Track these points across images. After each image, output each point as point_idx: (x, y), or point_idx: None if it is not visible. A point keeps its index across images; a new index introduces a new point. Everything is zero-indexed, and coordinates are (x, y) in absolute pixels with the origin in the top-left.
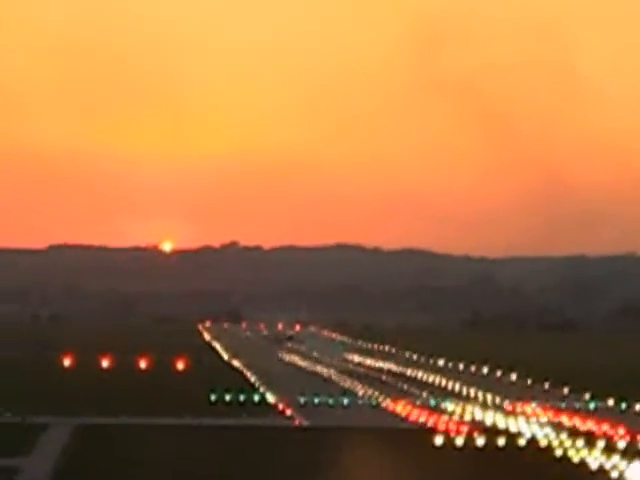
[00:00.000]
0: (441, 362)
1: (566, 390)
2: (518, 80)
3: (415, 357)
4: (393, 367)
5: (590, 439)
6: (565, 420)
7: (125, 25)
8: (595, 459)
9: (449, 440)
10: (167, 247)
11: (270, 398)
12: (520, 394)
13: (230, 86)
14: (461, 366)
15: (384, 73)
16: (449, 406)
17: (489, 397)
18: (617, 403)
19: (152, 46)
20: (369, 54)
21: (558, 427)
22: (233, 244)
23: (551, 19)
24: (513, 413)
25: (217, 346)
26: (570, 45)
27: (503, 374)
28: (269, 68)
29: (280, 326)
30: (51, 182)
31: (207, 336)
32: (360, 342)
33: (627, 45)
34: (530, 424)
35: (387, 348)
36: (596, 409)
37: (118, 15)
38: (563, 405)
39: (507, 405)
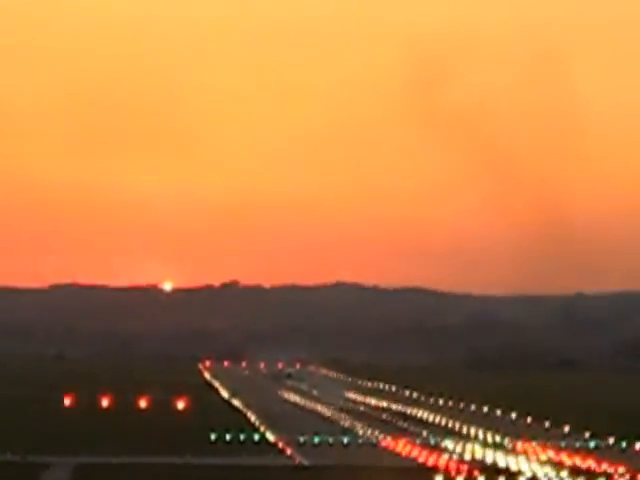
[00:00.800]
0: (441, 401)
1: (566, 429)
2: (517, 111)
3: (415, 396)
4: (393, 406)
5: (590, 478)
6: (565, 459)
7: (132, 63)
8: None
9: (449, 479)
10: (167, 286)
11: (270, 437)
12: (520, 433)
13: (230, 127)
14: (461, 405)
15: (379, 105)
16: (449, 445)
17: (489, 436)
18: (617, 442)
19: (158, 85)
20: (365, 86)
21: (558, 466)
22: (233, 283)
23: (551, 48)
24: (513, 452)
25: (217, 385)
26: (572, 75)
27: (503, 413)
28: (268, 109)
29: (280, 365)
30: (53, 221)
31: (207, 375)
32: (360, 381)
33: (630, 74)
34: (530, 463)
35: (387, 387)
36: (596, 448)
37: (127, 53)
38: (563, 444)
39: (507, 444)
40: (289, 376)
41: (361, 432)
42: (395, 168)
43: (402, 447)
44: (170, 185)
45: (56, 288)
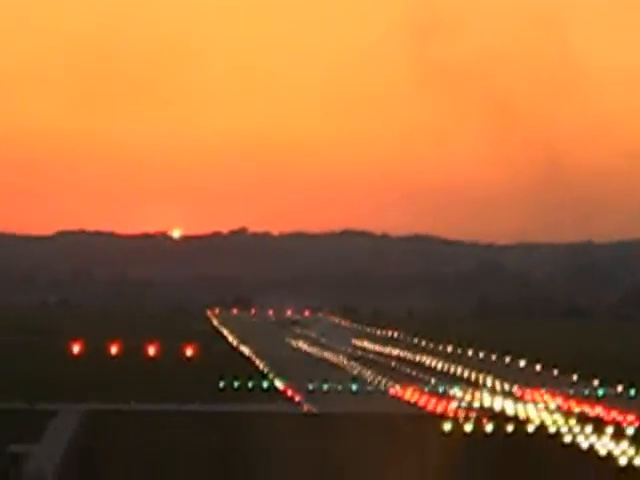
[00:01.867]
0: (450, 348)
1: (575, 377)
2: (518, 64)
3: (424, 343)
4: (402, 353)
5: (599, 426)
6: (574, 406)
7: (133, 11)
8: (604, 445)
9: (458, 426)
10: (176, 233)
11: (279, 384)
12: (529, 381)
13: (238, 72)
14: (470, 352)
15: (389, 57)
16: (458, 392)
17: (498, 383)
18: (626, 389)
19: (163, 33)
20: (370, 39)
21: (567, 414)
22: (242, 230)
23: (551, 2)
24: (522, 399)
25: (226, 332)
26: (570, 27)
27: (512, 360)
28: (272, 59)
29: (289, 312)
30: (59, 168)
31: (216, 322)
32: (369, 328)
33: (628, 25)
34: (539, 411)
35: (396, 334)
36: (605, 396)
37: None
38: (572, 392)
39: (516, 391)
40: (295, 323)
41: (370, 380)
42: (401, 117)
43: (410, 395)
44: (179, 132)
45: (63, 235)
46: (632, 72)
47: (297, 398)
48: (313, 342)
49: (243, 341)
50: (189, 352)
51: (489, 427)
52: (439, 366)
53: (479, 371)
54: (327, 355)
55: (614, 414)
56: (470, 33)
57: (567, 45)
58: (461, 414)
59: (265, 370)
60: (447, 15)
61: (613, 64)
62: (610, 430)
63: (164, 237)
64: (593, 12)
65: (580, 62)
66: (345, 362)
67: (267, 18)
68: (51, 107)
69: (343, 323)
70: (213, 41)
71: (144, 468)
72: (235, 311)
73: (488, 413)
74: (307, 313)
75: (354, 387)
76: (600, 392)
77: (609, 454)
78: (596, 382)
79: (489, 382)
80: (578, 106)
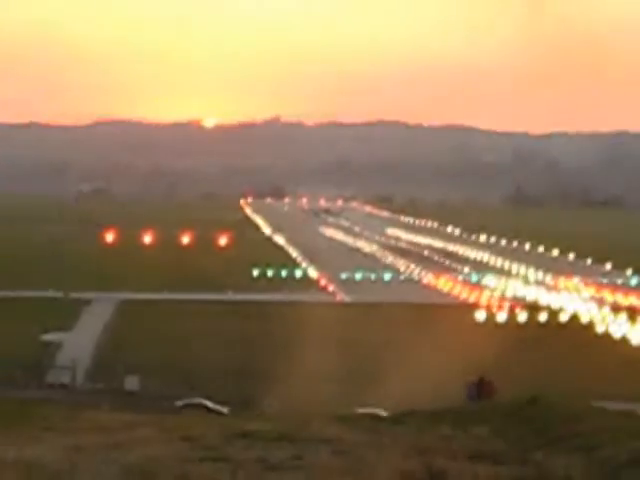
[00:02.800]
0: (483, 238)
1: (608, 266)
2: None
3: (457, 232)
4: (435, 243)
5: (632, 314)
6: (607, 296)
7: None
8: (637, 334)
9: (491, 316)
10: (209, 123)
11: (312, 274)
12: (562, 270)
13: None
14: (503, 242)
15: None
16: (491, 282)
17: (531, 273)
18: None
19: None
20: None
21: (600, 303)
22: (275, 120)
23: None
24: (555, 289)
25: (259, 221)
26: None
27: (546, 250)
28: None
29: (322, 202)
30: (94, 60)
31: (249, 211)
32: (403, 218)
33: None
34: (572, 300)
35: (429, 224)
36: (638, 285)
37: None
38: (605, 281)
39: (549, 281)
40: (327, 211)
41: (403, 269)
42: (436, 10)
43: (444, 284)
44: (211, 21)
45: (97, 125)
46: None
47: (330, 288)
48: (346, 231)
49: (276, 230)
50: (223, 241)
51: (522, 316)
52: (472, 255)
53: (512, 260)
54: (360, 244)
55: None
56: None
57: None
58: (494, 303)
59: (298, 259)
60: None
61: None
62: None
63: (197, 126)
64: None
65: None
66: (379, 251)
67: None
68: (86, 5)
69: (377, 212)
70: None
71: (175, 354)
72: (269, 200)
73: (521, 302)
74: (340, 202)
75: (387, 277)
76: (633, 281)
77: None
78: (629, 271)
79: (522, 271)
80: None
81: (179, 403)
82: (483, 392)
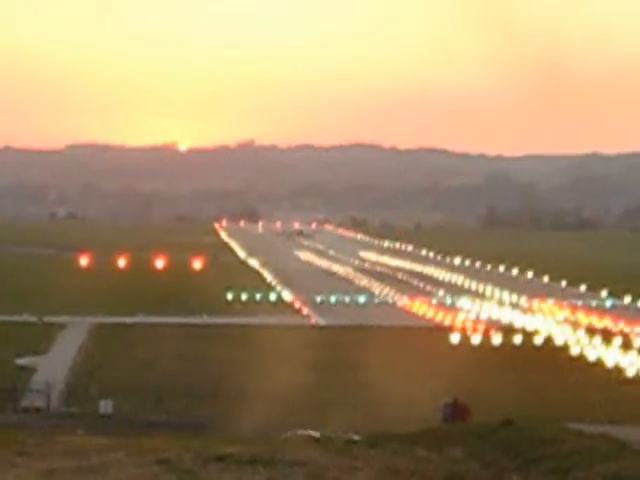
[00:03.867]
0: (457, 260)
1: (583, 288)
2: None
3: (432, 255)
4: (410, 265)
5: (607, 337)
6: (582, 318)
7: None
8: (611, 357)
9: (466, 338)
10: (183, 146)
11: (286, 297)
12: (537, 292)
13: None
14: (477, 264)
15: None
16: (465, 304)
17: (506, 295)
18: (634, 301)
19: None
20: None
21: (574, 325)
22: (249, 143)
23: None
24: (530, 311)
25: (234, 245)
26: None
27: (520, 272)
28: None
29: (296, 225)
30: (68, 83)
31: (224, 235)
32: (377, 240)
33: None
34: (547, 322)
35: (404, 246)
36: (613, 307)
37: None
38: (580, 303)
39: (524, 303)
40: (300, 233)
41: (377, 292)
42: (409, 29)
43: (418, 306)
44: (186, 44)
45: (73, 148)
46: None
47: (305, 310)
48: (321, 254)
49: (251, 253)
50: (197, 265)
51: (497, 339)
52: (447, 278)
53: (486, 282)
54: (335, 267)
55: (621, 325)
56: None
57: None
58: (469, 326)
59: (273, 282)
60: None
61: None
62: (618, 341)
63: (172, 150)
64: None
65: None
66: (353, 274)
67: None
68: (53, 26)
69: (351, 235)
70: None
71: (149, 378)
72: (242, 224)
73: (496, 324)
74: (314, 225)
75: (362, 299)
76: (608, 303)
77: (616, 365)
78: (604, 293)
79: (497, 294)
80: (583, 10)
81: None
82: (458, 414)
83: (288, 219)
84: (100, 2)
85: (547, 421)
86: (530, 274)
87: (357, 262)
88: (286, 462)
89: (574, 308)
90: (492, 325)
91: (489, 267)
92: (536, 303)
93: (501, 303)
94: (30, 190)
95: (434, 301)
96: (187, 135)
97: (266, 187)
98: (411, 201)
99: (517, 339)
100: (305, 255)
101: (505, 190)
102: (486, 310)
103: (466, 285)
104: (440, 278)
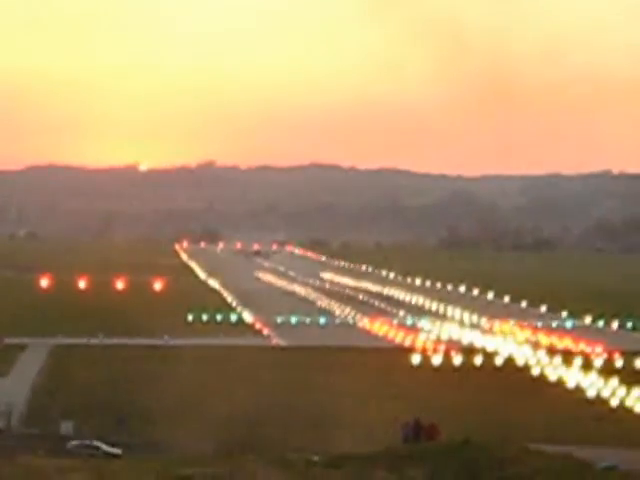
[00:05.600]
0: (418, 281)
1: (543, 308)
2: None
3: (392, 276)
4: (370, 286)
5: (568, 357)
6: (542, 338)
7: None
8: (572, 377)
9: (426, 359)
10: (144, 167)
11: (247, 318)
12: (497, 312)
13: (202, 8)
14: (438, 284)
15: None
16: (426, 325)
17: (466, 316)
18: (594, 321)
19: None
20: None
21: (535, 345)
22: (209, 164)
23: None
24: (490, 332)
25: (194, 266)
26: None
27: (480, 293)
28: None
29: (257, 246)
30: (27, 104)
31: (184, 256)
32: (337, 261)
33: None
34: (507, 343)
35: (364, 267)
36: (573, 327)
37: None
38: (540, 323)
39: (484, 324)
40: (257, 253)
41: (338, 312)
42: (360, 50)
43: (379, 327)
44: (147, 66)
45: (32, 169)
46: None
47: (266, 331)
48: (281, 275)
49: (211, 274)
50: (158, 286)
51: (458, 359)
52: (407, 299)
53: (447, 303)
54: (295, 288)
55: (582, 345)
56: None
57: None
58: (430, 346)
59: (234, 303)
60: None
61: None
62: (579, 362)
63: (133, 170)
64: None
65: None
66: (313, 295)
67: None
68: (17, 46)
69: (311, 256)
70: None
71: (110, 399)
72: (203, 244)
73: (457, 345)
74: (275, 246)
75: (322, 320)
76: (568, 323)
77: (577, 386)
78: (564, 313)
79: (457, 314)
80: (533, 25)
81: (72, 443)
82: (426, 434)
83: (249, 240)
84: (61, 25)
85: (508, 441)
86: (491, 295)
87: (317, 283)
88: None
89: (535, 329)
90: (453, 346)
91: (450, 287)
92: (497, 324)
93: (462, 324)
94: None
95: (395, 322)
96: (148, 156)
97: (226, 208)
98: (371, 221)
99: (478, 360)
100: (265, 276)
101: (466, 210)
102: (447, 331)
103: (427, 306)
104: (401, 299)
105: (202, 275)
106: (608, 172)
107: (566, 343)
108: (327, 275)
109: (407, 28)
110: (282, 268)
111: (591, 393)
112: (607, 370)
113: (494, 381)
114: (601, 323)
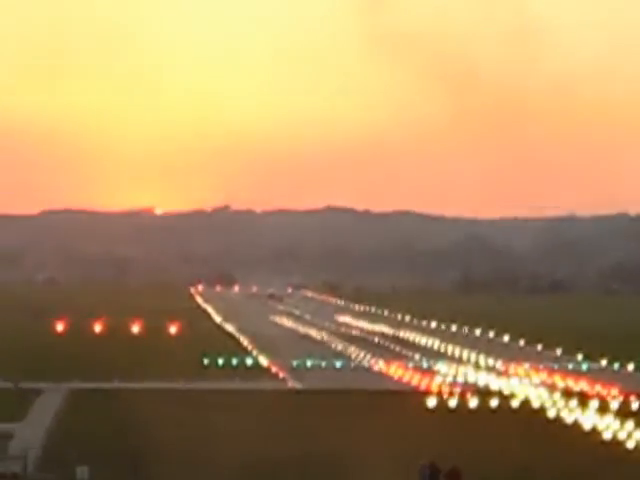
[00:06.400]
0: (433, 324)
1: (559, 351)
2: (475, 28)
3: (407, 319)
4: (385, 329)
5: (583, 400)
6: (558, 381)
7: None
8: (588, 419)
9: (442, 402)
10: (159, 211)
11: (263, 361)
12: (513, 355)
13: (213, 53)
14: (453, 327)
15: (345, 29)
16: (442, 368)
17: (482, 359)
18: (610, 363)
19: (130, 20)
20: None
21: (551, 388)
22: (225, 208)
23: None
24: (506, 374)
25: (210, 309)
26: None
27: (496, 335)
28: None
29: (271, 289)
30: (43, 148)
31: (199, 299)
32: (352, 304)
33: None
34: (523, 385)
35: (379, 310)
36: (589, 370)
37: None
38: (556, 366)
39: (500, 366)
40: (272, 296)
41: (354, 356)
42: (370, 93)
43: (395, 370)
44: (161, 110)
45: (48, 214)
46: (594, 29)
47: (281, 375)
48: (296, 319)
49: (227, 318)
50: (173, 330)
51: (473, 402)
52: (423, 341)
53: (462, 346)
54: (310, 331)
55: (598, 388)
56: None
57: (527, 1)
58: (445, 389)
59: (249, 347)
60: None
61: (574, 22)
62: (594, 404)
63: (148, 214)
64: None
65: (539, 21)
66: (329, 338)
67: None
68: (34, 88)
69: (326, 299)
70: (178, 22)
71: (126, 445)
72: (218, 288)
73: (472, 388)
74: (290, 290)
75: (338, 364)
76: (584, 366)
77: (593, 428)
78: (580, 356)
79: (473, 357)
80: (544, 68)
81: None
82: (447, 479)
83: (264, 283)
84: (75, 70)
85: None
86: (506, 337)
87: (333, 326)
88: None
89: (550, 371)
90: (469, 388)
91: (465, 330)
92: (512, 366)
93: (477, 366)
94: (6, 255)
95: (410, 365)
96: (163, 200)
97: (242, 251)
98: (386, 265)
99: (494, 402)
100: (281, 319)
101: (480, 253)
102: (462, 373)
103: (442, 348)
104: (416, 342)
105: (218, 319)
106: (624, 214)
107: (582, 385)
108: (342, 318)
109: (421, 70)
110: (297, 311)
111: (607, 435)
112: (623, 412)
113: (510, 423)
114: (617, 365)
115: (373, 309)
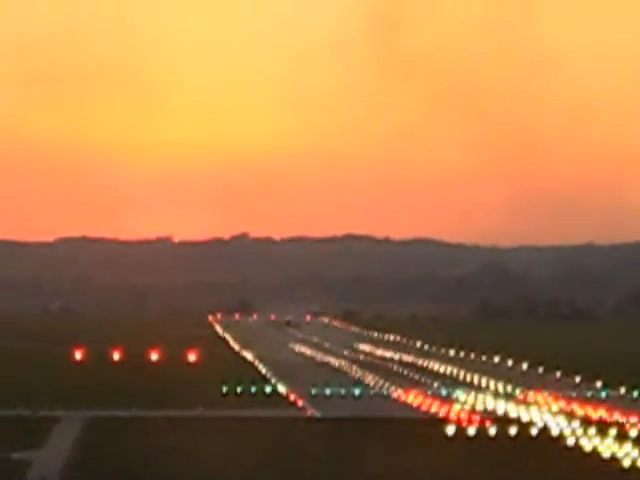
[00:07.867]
0: (452, 352)
1: (578, 379)
2: (488, 49)
3: (426, 347)
4: (404, 357)
5: (602, 428)
6: (577, 409)
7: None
8: (607, 448)
9: (461, 430)
10: (177, 239)
11: (281, 389)
12: (532, 383)
13: (226, 80)
14: (472, 355)
15: (357, 53)
16: (461, 396)
17: (501, 386)
18: (629, 391)
19: (136, 40)
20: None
21: (570, 416)
22: (243, 236)
23: None
24: (525, 402)
25: (228, 337)
26: (535, 15)
27: (514, 363)
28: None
29: (290, 317)
30: (60, 175)
31: (218, 327)
32: (371, 332)
33: (593, 15)
34: (542, 413)
35: (398, 338)
36: (608, 397)
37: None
38: (575, 394)
39: (519, 394)
40: (288, 323)
41: (372, 384)
42: (393, 118)
43: (413, 398)
44: (178, 139)
45: (64, 241)
46: (610, 53)
47: (300, 403)
48: (315, 346)
49: (245, 346)
50: (191, 357)
51: (492, 430)
52: (442, 369)
53: (481, 374)
54: (329, 359)
55: (617, 416)
56: (433, 26)
57: (539, 30)
58: (464, 417)
59: (268, 375)
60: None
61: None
62: (613, 432)
63: (165, 243)
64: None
65: (554, 46)
66: (347, 366)
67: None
68: (41, 113)
69: (345, 327)
70: (197, 40)
71: (144, 473)
72: (237, 316)
73: (491, 416)
74: (309, 318)
75: (357, 391)
76: (603, 394)
77: (612, 456)
78: (599, 384)
79: (492, 385)
80: (561, 97)
81: None
82: None
83: (282, 311)
84: (90, 98)
85: None
86: (525, 365)
87: (352, 354)
88: None
89: (569, 399)
90: (487, 416)
91: (484, 358)
92: (531, 394)
93: (496, 394)
94: (22, 283)
95: (429, 392)
96: (181, 228)
97: (260, 279)
98: (405, 292)
99: (512, 430)
100: (299, 347)
101: (499, 281)
102: (481, 401)
103: (461, 376)
104: (435, 369)
105: (236, 347)
106: None
107: (600, 413)
108: (361, 346)
109: (439, 98)
110: (316, 339)
111: (626, 463)
112: None
113: (530, 451)
114: (635, 393)
115: (392, 337)
